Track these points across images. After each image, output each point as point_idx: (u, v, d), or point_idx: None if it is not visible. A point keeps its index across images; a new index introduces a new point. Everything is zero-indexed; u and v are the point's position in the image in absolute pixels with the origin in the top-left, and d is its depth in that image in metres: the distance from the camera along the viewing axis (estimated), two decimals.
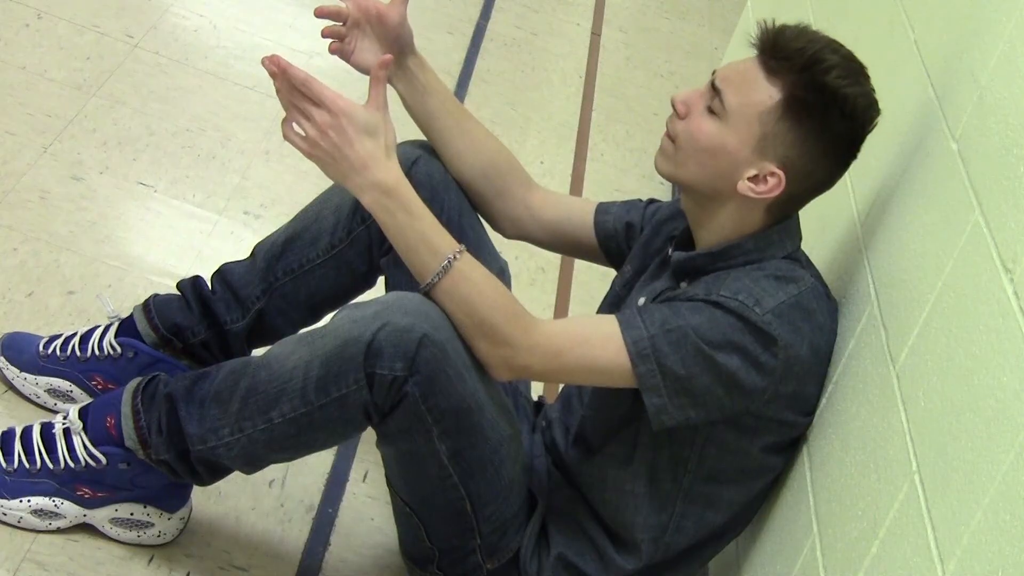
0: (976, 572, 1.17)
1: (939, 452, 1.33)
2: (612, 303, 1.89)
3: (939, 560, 1.25)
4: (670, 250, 1.78)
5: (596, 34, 4.17)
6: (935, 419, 1.36)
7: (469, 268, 1.65)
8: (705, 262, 1.70)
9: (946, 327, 1.41)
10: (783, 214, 1.69)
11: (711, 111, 1.66)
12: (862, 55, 1.66)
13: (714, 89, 1.66)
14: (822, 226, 1.96)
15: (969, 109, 1.54)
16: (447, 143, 1.93)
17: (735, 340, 1.58)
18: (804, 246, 1.75)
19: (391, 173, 1.63)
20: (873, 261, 1.73)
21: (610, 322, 1.64)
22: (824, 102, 1.60)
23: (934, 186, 1.58)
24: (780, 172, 1.63)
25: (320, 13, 1.86)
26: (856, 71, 1.63)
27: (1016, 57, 1.45)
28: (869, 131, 1.66)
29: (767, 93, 1.62)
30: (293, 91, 1.61)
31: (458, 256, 1.63)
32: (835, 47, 1.63)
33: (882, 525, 1.41)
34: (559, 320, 1.72)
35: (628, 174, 3.43)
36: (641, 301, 1.77)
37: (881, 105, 1.65)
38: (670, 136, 1.70)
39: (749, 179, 1.64)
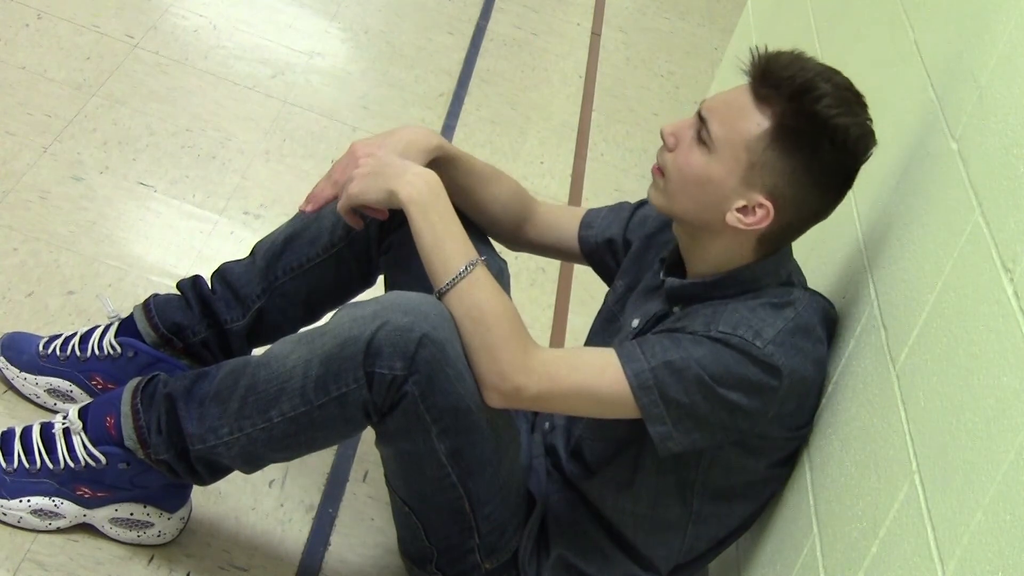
0: (976, 572, 1.17)
1: (939, 452, 1.33)
2: (607, 318, 1.89)
3: (939, 560, 1.25)
4: (662, 274, 1.77)
5: (596, 34, 4.17)
6: (935, 419, 1.36)
7: (485, 278, 1.65)
8: (699, 291, 1.69)
9: (946, 327, 1.41)
10: (776, 246, 1.68)
11: (701, 142, 1.63)
12: (862, 55, 1.65)
13: (700, 119, 1.64)
14: (822, 226, 1.96)
15: (969, 109, 1.54)
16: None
17: (738, 374, 1.58)
18: (804, 246, 1.75)
19: (430, 172, 1.71)
20: (873, 261, 1.73)
21: (609, 354, 1.64)
22: (814, 132, 1.57)
23: (934, 186, 1.58)
24: (768, 203, 1.60)
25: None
26: (849, 100, 1.59)
27: (1016, 57, 1.45)
28: (863, 161, 1.63)
29: (755, 121, 1.59)
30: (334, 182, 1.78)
31: (478, 263, 1.65)
32: (829, 76, 1.59)
33: (882, 525, 1.41)
34: (558, 348, 1.72)
35: (628, 174, 3.43)
36: (635, 323, 1.77)
37: (881, 105, 1.64)
38: (660, 169, 1.68)
39: (738, 210, 1.62)
